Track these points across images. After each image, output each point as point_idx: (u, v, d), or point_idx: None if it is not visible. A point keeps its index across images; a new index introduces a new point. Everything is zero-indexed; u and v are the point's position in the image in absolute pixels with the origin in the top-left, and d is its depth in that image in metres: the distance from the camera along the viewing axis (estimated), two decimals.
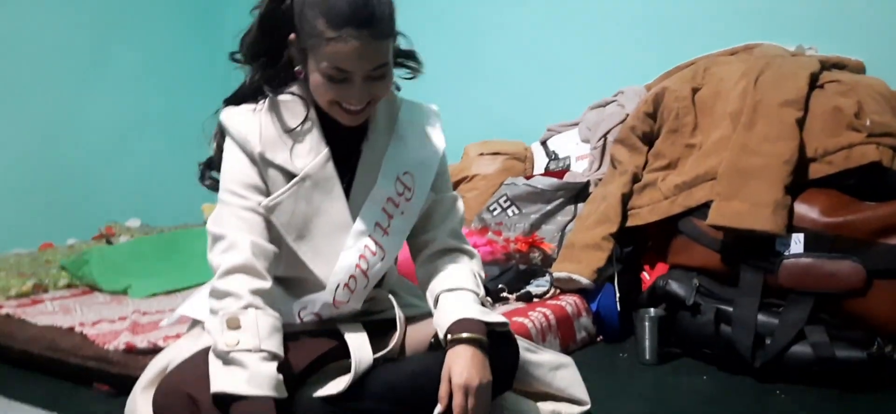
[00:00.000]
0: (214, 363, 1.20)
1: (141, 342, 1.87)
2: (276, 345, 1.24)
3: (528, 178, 2.68)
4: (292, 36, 1.28)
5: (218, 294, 1.26)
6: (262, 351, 1.20)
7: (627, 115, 2.55)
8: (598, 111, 2.77)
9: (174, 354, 1.34)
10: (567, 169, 2.76)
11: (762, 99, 2.02)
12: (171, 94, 3.89)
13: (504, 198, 2.65)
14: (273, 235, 1.32)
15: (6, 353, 2.18)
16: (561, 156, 2.86)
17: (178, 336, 1.81)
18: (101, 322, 2.14)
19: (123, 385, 1.78)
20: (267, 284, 1.27)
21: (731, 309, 1.90)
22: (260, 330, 1.22)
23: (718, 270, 1.96)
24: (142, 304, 2.37)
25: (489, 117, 3.14)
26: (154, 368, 1.37)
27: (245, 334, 1.20)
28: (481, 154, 2.99)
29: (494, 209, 2.65)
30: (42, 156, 3.42)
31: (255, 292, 1.25)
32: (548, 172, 2.77)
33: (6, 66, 3.31)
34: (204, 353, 1.27)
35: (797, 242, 1.83)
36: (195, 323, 1.45)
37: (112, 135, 3.68)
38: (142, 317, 2.18)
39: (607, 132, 2.63)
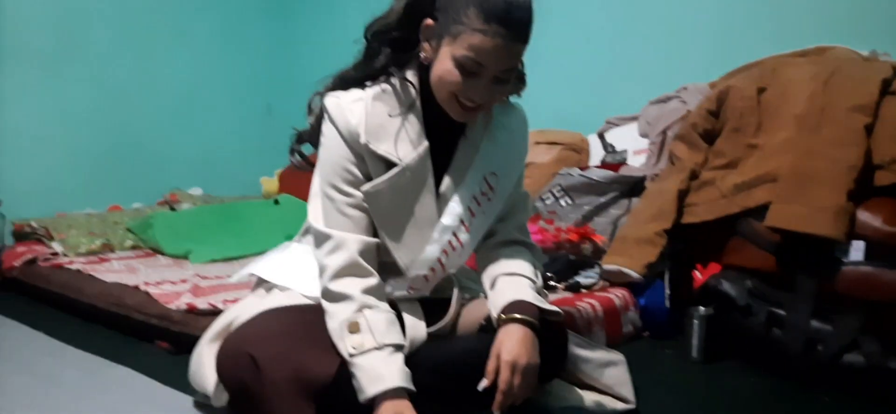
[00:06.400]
0: (353, 372, 1.25)
1: (201, 304, 1.96)
2: (395, 337, 1.30)
3: (583, 169, 2.67)
4: (429, 21, 1.30)
5: (331, 297, 1.32)
6: (386, 347, 1.26)
7: (689, 111, 2.52)
8: (658, 106, 2.75)
9: (239, 311, 1.41)
10: (623, 162, 2.75)
11: (831, 102, 1.98)
12: (238, 70, 4.00)
13: (557, 187, 2.66)
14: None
15: (75, 305, 2.30)
16: (618, 149, 2.84)
17: (235, 300, 1.88)
18: (164, 283, 2.23)
19: (183, 343, 1.86)
20: (375, 280, 1.33)
21: (783, 312, 1.87)
22: (379, 328, 1.28)
23: (773, 272, 1.93)
24: (201, 269, 2.46)
25: (547, 106, 3.11)
26: (220, 323, 1.45)
27: (366, 336, 1.27)
28: (537, 143, 2.99)
29: (547, 198, 2.66)
30: (115, 120, 3.56)
31: (366, 291, 1.31)
32: (604, 165, 2.76)
33: (86, 31, 3.45)
34: (267, 314, 1.34)
35: (857, 250, 1.79)
36: (260, 283, 1.51)
37: (181, 106, 3.81)
38: (202, 281, 2.27)
39: (667, 128, 2.61)
